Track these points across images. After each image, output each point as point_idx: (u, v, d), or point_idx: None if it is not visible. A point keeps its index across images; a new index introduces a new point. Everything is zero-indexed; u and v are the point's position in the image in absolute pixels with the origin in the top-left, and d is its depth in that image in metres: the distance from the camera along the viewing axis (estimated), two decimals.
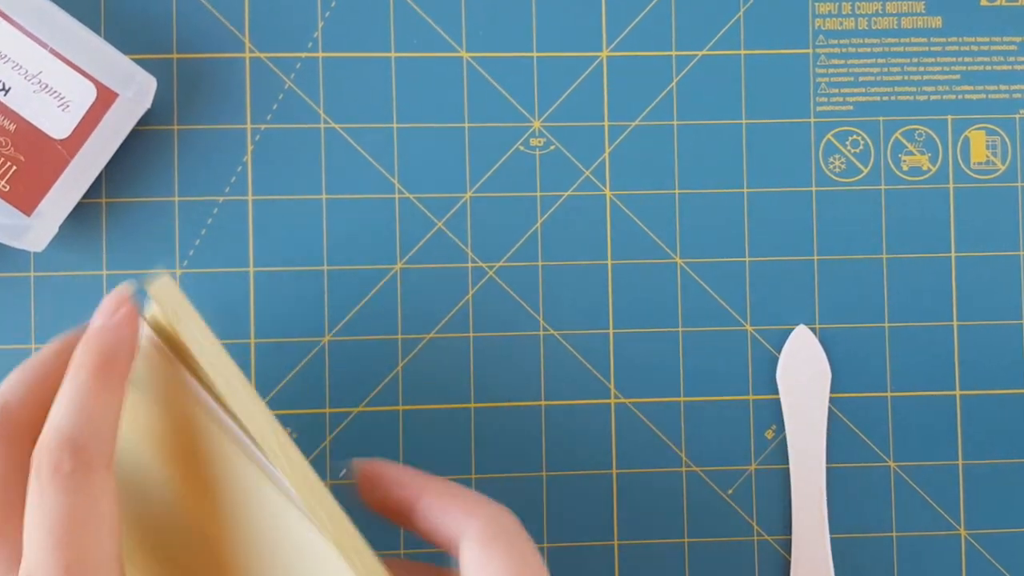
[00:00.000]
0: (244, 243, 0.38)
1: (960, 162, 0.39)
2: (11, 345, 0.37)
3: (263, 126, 0.38)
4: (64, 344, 0.28)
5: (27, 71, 0.34)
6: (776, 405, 0.38)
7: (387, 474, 0.28)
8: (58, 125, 0.34)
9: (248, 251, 0.38)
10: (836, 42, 0.39)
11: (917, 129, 0.39)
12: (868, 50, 0.39)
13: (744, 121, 0.39)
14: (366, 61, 0.38)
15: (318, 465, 0.37)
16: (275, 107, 0.38)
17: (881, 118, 0.39)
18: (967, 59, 0.39)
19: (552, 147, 0.39)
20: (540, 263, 0.38)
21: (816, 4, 0.39)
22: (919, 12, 0.39)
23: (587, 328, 0.38)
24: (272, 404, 0.38)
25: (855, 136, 0.39)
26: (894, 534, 0.38)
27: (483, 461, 0.38)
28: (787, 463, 0.38)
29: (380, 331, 0.38)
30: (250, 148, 0.38)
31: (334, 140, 0.38)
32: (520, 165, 0.38)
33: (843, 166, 0.39)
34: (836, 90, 0.39)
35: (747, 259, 0.39)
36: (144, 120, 0.36)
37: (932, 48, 0.39)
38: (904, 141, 0.39)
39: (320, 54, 0.38)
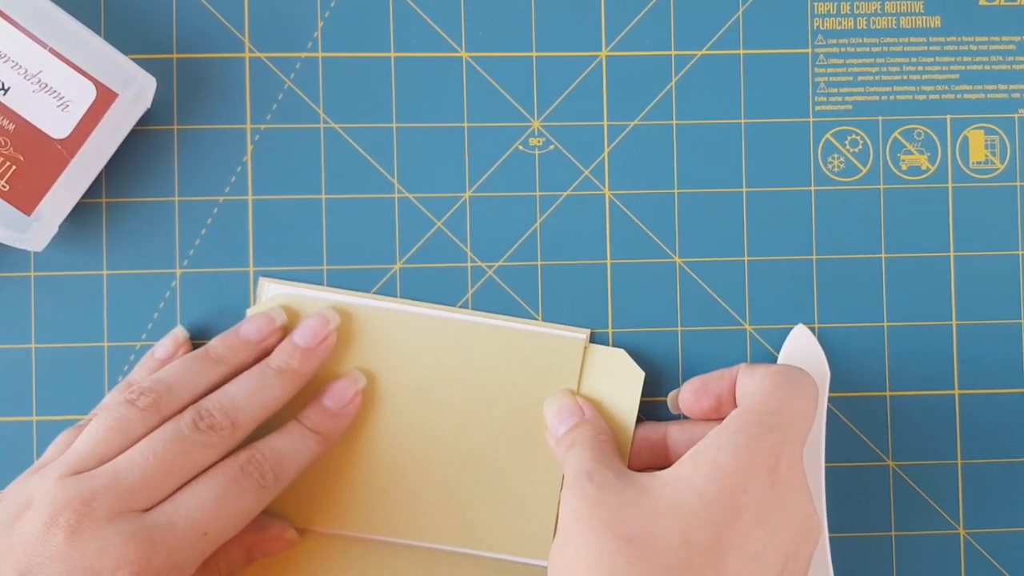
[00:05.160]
0: (244, 243, 0.38)
1: (959, 161, 0.39)
2: (11, 345, 0.37)
3: (263, 126, 0.38)
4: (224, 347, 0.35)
5: (27, 71, 0.34)
6: None
7: (706, 377, 0.35)
8: (58, 125, 0.34)
9: (248, 251, 0.38)
10: (835, 42, 0.39)
11: (916, 128, 0.39)
12: (867, 50, 0.39)
13: (743, 121, 0.39)
14: (366, 61, 0.38)
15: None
16: (275, 107, 0.38)
17: (880, 117, 0.39)
18: (966, 59, 0.39)
19: (551, 147, 0.39)
20: (539, 263, 0.38)
21: (815, 4, 0.39)
22: (918, 12, 0.39)
23: (586, 327, 0.38)
24: None
25: (854, 135, 0.39)
26: (893, 533, 0.38)
27: None
28: None
29: None
30: (250, 148, 0.38)
31: (334, 140, 0.38)
32: (519, 165, 0.38)
33: (842, 165, 0.39)
34: (835, 90, 0.39)
35: (746, 258, 0.39)
36: (144, 120, 0.36)
37: (931, 48, 0.39)
38: (903, 140, 0.39)
39: (320, 54, 0.38)
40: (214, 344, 0.35)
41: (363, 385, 0.36)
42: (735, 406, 0.33)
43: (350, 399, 0.36)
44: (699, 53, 0.39)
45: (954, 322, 0.39)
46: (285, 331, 0.36)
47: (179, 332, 0.37)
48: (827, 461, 0.38)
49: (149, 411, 0.32)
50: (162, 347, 0.36)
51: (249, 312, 0.37)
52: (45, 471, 0.31)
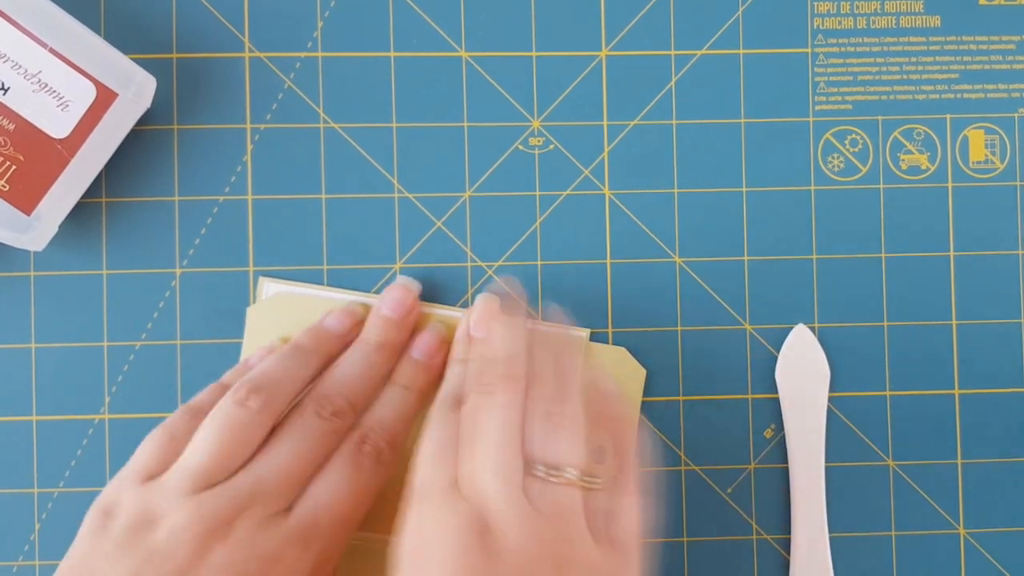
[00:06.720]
0: (244, 243, 0.38)
1: (959, 161, 0.39)
2: (11, 344, 0.37)
3: (263, 126, 0.38)
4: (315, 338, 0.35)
5: (27, 70, 0.34)
6: (775, 404, 0.38)
7: None
8: (58, 124, 0.34)
9: (248, 251, 0.38)
10: (835, 41, 0.39)
11: (916, 128, 0.39)
12: (867, 49, 0.39)
13: (743, 120, 0.39)
14: (366, 61, 0.38)
15: None
16: (275, 107, 0.38)
17: (880, 117, 0.39)
18: (966, 58, 0.39)
19: (551, 146, 0.39)
20: (539, 262, 0.38)
21: (815, 3, 0.39)
22: (918, 11, 0.39)
23: (586, 327, 0.38)
24: None
25: (854, 135, 0.39)
26: (893, 533, 0.38)
27: None
28: (786, 462, 0.38)
29: None
30: (250, 148, 0.38)
31: (334, 140, 0.38)
32: (519, 164, 0.38)
33: (842, 165, 0.39)
34: (835, 89, 0.39)
35: (746, 258, 0.39)
36: (144, 120, 0.36)
37: (931, 47, 0.39)
38: (903, 140, 0.39)
39: (320, 54, 0.38)
40: (301, 338, 0.35)
41: (446, 335, 0.37)
42: None
43: (435, 350, 0.36)
44: (699, 53, 0.39)
45: (954, 322, 0.39)
46: (362, 323, 0.36)
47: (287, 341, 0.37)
48: (827, 461, 0.38)
49: (262, 412, 0.31)
50: (259, 355, 0.36)
51: (249, 310, 0.37)
52: (165, 484, 0.30)
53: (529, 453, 0.29)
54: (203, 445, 0.31)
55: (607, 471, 0.30)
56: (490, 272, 0.38)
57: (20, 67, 0.34)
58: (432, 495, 0.29)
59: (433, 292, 0.38)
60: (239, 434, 0.31)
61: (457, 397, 0.32)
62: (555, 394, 0.31)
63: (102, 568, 0.28)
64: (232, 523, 0.29)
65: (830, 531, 0.38)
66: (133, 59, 0.35)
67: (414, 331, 0.37)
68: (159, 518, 0.29)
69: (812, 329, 0.38)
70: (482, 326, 0.35)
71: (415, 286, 0.37)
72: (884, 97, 0.39)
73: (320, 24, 0.38)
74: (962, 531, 0.38)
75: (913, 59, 0.39)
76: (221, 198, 0.38)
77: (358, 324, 0.36)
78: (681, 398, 0.38)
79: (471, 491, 0.28)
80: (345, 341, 0.36)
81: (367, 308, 0.37)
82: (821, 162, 0.39)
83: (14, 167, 0.34)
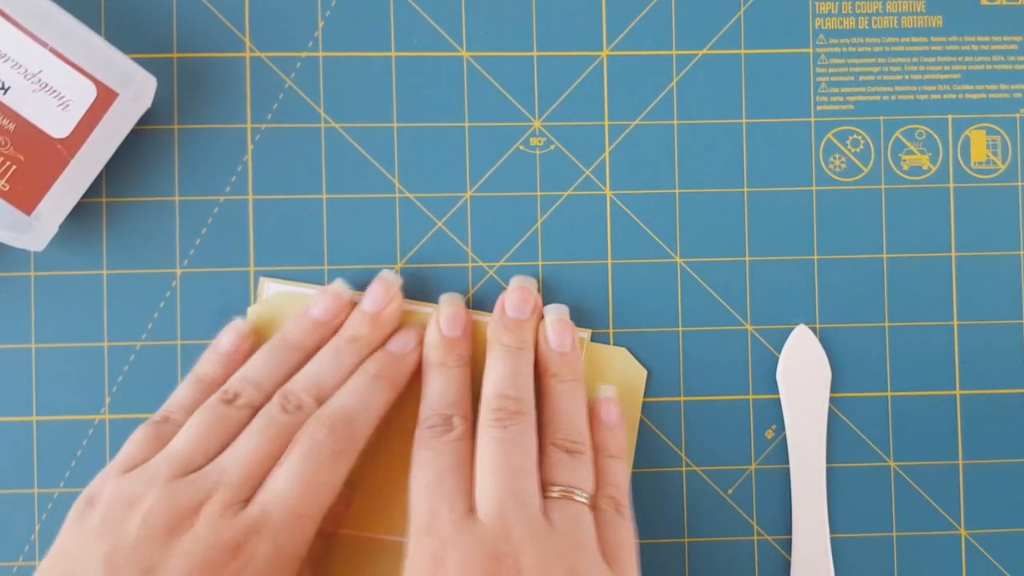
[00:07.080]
0: (244, 243, 0.38)
1: (960, 161, 0.39)
2: (11, 345, 0.37)
3: (263, 126, 0.38)
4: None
5: (27, 70, 0.34)
6: (776, 405, 0.38)
7: None
8: (58, 124, 0.34)
9: (248, 251, 0.38)
10: (836, 41, 0.39)
11: (917, 128, 0.39)
12: (868, 49, 0.39)
13: (744, 120, 0.39)
14: (366, 61, 0.38)
15: None
16: (275, 107, 0.38)
17: (881, 117, 0.39)
18: (967, 58, 0.39)
19: (552, 146, 0.38)
20: (540, 263, 0.38)
21: (816, 3, 0.39)
22: (919, 11, 0.39)
23: (587, 327, 0.38)
24: None
25: (855, 135, 0.39)
26: (894, 534, 0.38)
27: None
28: (787, 463, 0.38)
29: None
30: (250, 148, 0.38)
31: (334, 140, 0.38)
32: (520, 165, 0.38)
33: (843, 165, 0.39)
34: (836, 89, 0.39)
35: (747, 259, 0.39)
36: (144, 120, 0.36)
37: (932, 47, 0.39)
38: (904, 140, 0.39)
39: (320, 54, 0.38)
40: (288, 330, 0.35)
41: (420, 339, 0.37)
42: None
43: (412, 348, 0.36)
44: (700, 53, 0.39)
45: (955, 322, 0.39)
46: (353, 307, 0.36)
47: (240, 325, 0.36)
48: (828, 462, 0.38)
49: (243, 408, 0.33)
50: (226, 340, 0.36)
51: (250, 310, 0.37)
52: (146, 470, 0.31)
53: (544, 478, 0.32)
54: (185, 434, 0.32)
55: (610, 499, 0.33)
56: (491, 272, 0.38)
57: (20, 67, 0.34)
58: (441, 524, 0.30)
59: (433, 293, 0.38)
60: (218, 427, 0.32)
61: (444, 417, 0.33)
62: (566, 423, 0.34)
63: (78, 554, 0.29)
64: (197, 512, 0.30)
65: (831, 532, 0.38)
66: (133, 59, 0.35)
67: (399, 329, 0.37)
68: (135, 502, 0.30)
69: (813, 329, 0.38)
70: (456, 325, 0.36)
71: (396, 281, 0.37)
72: (886, 97, 0.39)
73: (321, 24, 0.38)
74: (963, 532, 0.38)
75: (915, 59, 0.39)
76: (222, 198, 0.38)
77: (346, 307, 0.36)
78: (682, 399, 0.38)
79: (492, 516, 0.30)
80: (332, 328, 0.36)
81: (384, 282, 0.36)
82: (823, 162, 0.39)
83: (14, 167, 0.34)
